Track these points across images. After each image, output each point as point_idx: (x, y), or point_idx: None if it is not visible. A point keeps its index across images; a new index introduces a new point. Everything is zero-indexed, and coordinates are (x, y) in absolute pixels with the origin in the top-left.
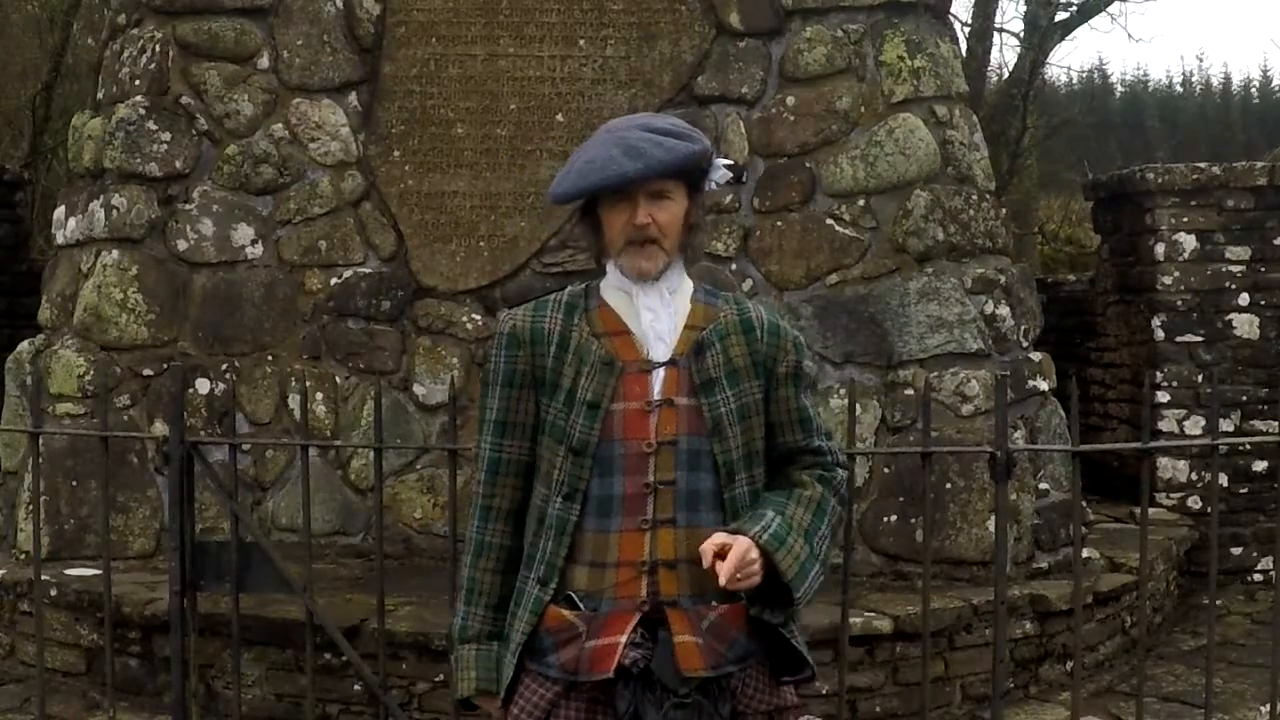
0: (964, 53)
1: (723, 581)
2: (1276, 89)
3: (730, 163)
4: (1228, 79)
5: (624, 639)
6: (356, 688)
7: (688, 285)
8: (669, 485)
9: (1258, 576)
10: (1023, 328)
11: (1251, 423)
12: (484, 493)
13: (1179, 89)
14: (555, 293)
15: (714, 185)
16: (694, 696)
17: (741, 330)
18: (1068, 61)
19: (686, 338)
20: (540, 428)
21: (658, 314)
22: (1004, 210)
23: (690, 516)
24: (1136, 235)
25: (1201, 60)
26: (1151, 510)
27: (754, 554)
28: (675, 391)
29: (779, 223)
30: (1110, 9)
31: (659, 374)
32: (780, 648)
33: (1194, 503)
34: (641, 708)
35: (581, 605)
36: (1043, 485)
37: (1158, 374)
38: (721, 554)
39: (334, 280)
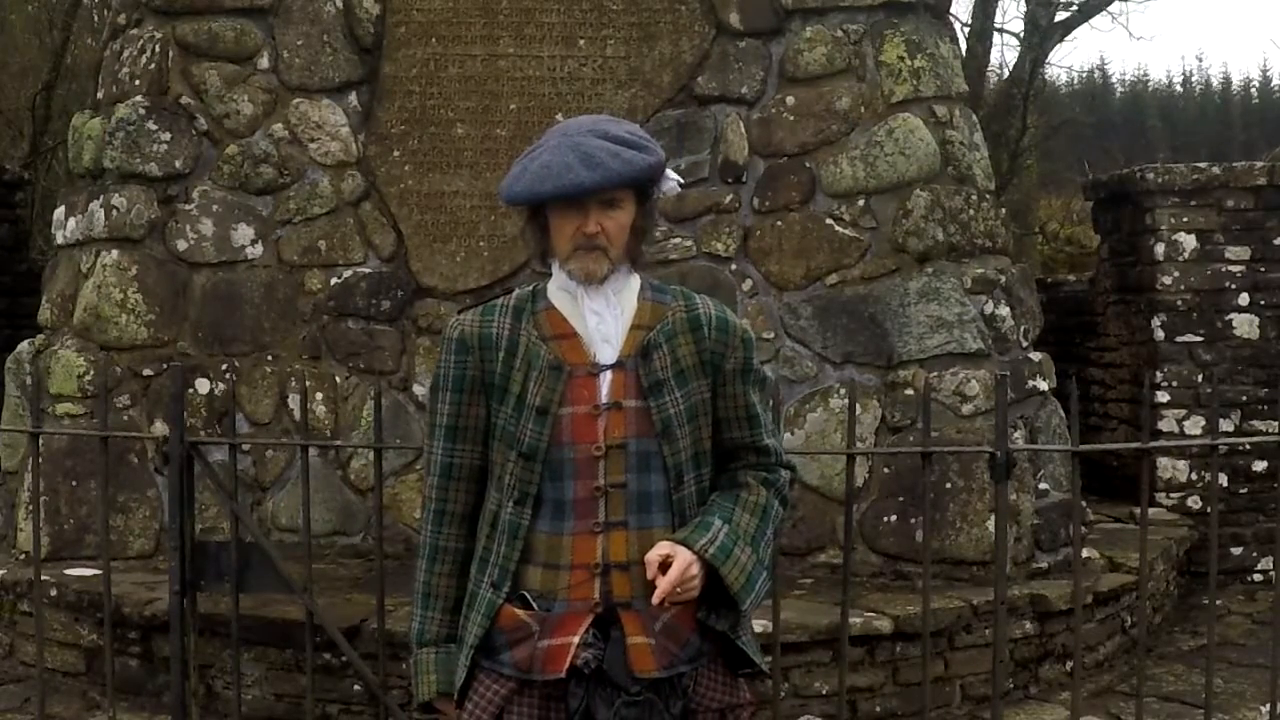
0: (964, 53)
1: (655, 601)
2: (1276, 89)
3: (679, 178)
4: (1228, 79)
5: (577, 639)
6: (356, 688)
7: (635, 283)
8: (619, 488)
9: (1258, 576)
10: (1023, 328)
11: (1251, 423)
12: (437, 497)
13: (1179, 89)
14: (503, 296)
15: (662, 194)
16: (645, 694)
17: (689, 329)
18: (1068, 61)
19: (633, 338)
20: (491, 432)
21: (603, 316)
22: (1004, 210)
23: (641, 518)
24: (1136, 235)
25: (1201, 60)
26: (1151, 510)
27: (695, 569)
28: (623, 394)
29: (779, 223)
30: (1111, 8)
31: (606, 377)
32: (734, 644)
33: (1194, 503)
34: (593, 705)
35: (535, 605)
36: (1043, 485)
37: (1158, 374)
38: (665, 565)
39: (334, 280)
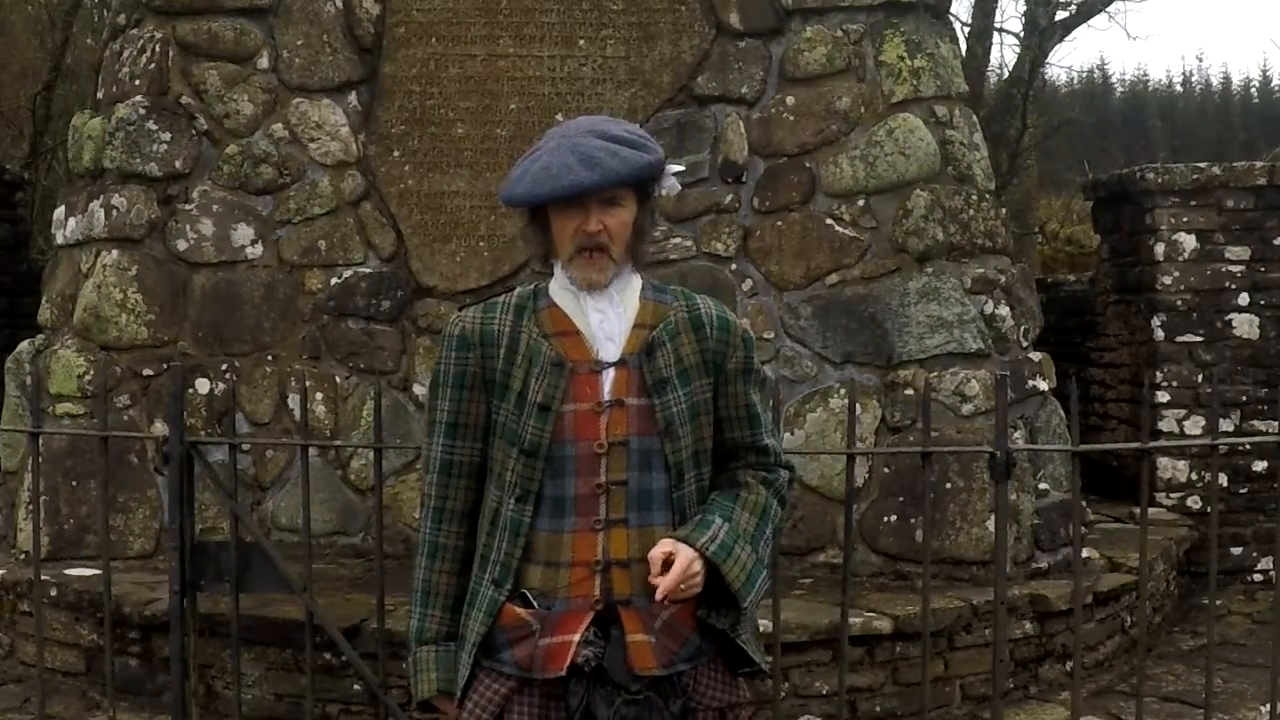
0: (964, 53)
1: (658, 597)
2: (1276, 89)
3: (680, 169)
4: (1228, 79)
5: (577, 637)
6: (356, 688)
7: (636, 283)
8: (621, 485)
9: (1258, 576)
10: (1023, 328)
11: (1251, 423)
12: (436, 494)
13: (1179, 89)
14: (504, 294)
15: (663, 193)
16: (645, 693)
17: (691, 328)
18: (1068, 61)
19: (636, 336)
20: (492, 429)
21: (606, 315)
22: (1004, 210)
23: (642, 516)
24: (1136, 235)
25: (1201, 60)
26: (1151, 510)
27: (696, 566)
28: (625, 392)
29: (779, 223)
30: (1109, 8)
31: (609, 374)
32: (733, 643)
33: (1194, 503)
34: (593, 703)
35: (536, 603)
36: (1043, 485)
37: (1158, 374)
38: (668, 562)
39: (334, 280)
